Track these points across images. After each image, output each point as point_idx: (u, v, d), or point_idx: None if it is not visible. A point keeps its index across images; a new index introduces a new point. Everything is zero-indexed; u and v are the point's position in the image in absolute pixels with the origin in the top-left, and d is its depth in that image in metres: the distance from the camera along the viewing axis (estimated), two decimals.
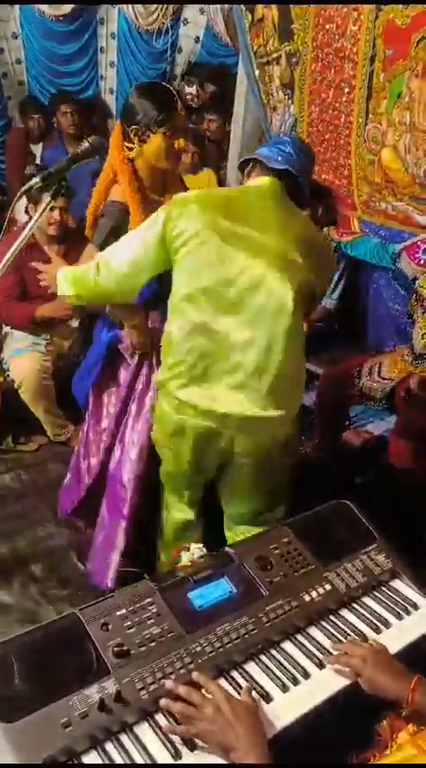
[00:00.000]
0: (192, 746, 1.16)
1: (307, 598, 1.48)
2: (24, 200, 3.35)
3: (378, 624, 1.47)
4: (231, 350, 1.83)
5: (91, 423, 2.41)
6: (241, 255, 1.81)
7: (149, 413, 2.18)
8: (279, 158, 1.91)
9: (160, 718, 1.20)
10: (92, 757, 1.13)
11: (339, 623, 1.47)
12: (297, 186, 1.95)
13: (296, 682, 1.31)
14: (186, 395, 1.88)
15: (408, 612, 1.52)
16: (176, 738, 1.17)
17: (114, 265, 1.94)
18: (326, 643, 1.40)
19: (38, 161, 5.02)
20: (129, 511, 2.25)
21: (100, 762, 1.13)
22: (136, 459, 2.24)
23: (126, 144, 2.10)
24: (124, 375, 2.29)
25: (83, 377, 2.44)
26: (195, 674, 1.23)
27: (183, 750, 1.15)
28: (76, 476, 2.49)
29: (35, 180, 1.65)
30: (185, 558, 1.62)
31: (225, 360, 1.84)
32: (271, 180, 1.92)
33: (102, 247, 2.09)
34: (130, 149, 2.10)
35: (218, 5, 5.03)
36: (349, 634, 1.44)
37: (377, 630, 1.46)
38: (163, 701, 1.19)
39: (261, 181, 1.93)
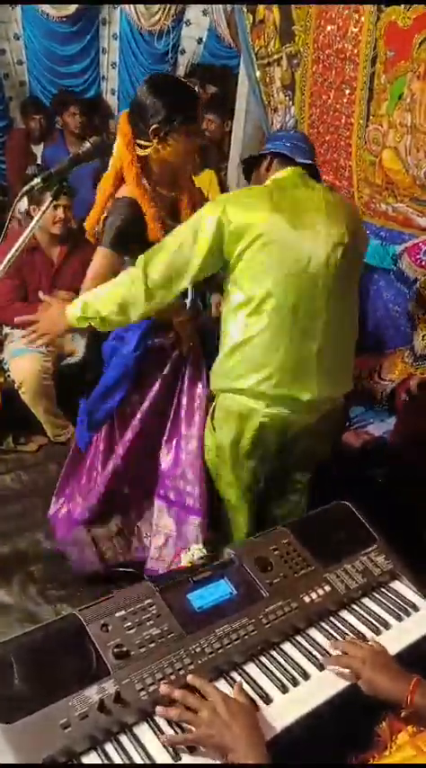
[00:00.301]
0: (192, 747, 1.15)
1: (307, 599, 1.47)
2: (25, 201, 3.35)
3: (378, 625, 1.47)
4: (312, 337, 1.89)
5: (109, 433, 2.33)
6: (306, 243, 1.85)
7: (210, 409, 2.14)
8: (299, 153, 1.99)
9: (160, 719, 1.20)
10: (91, 758, 1.13)
11: (339, 624, 1.47)
12: (316, 177, 2.03)
13: (295, 683, 1.31)
14: (278, 391, 1.91)
15: (408, 614, 1.51)
16: None
17: (160, 273, 1.86)
18: (326, 644, 1.40)
19: (38, 161, 5.03)
20: (203, 505, 2.18)
21: (99, 762, 1.13)
22: (196, 451, 2.18)
23: (139, 142, 2.01)
24: (157, 375, 2.23)
25: (103, 397, 2.30)
26: (190, 678, 1.23)
27: (183, 751, 1.15)
28: (79, 490, 2.42)
29: (36, 180, 1.65)
30: (185, 560, 1.62)
31: (308, 347, 1.90)
32: (294, 169, 1.98)
33: (113, 246, 2.03)
34: (144, 147, 2.00)
35: (221, 6, 5.04)
36: (348, 635, 1.43)
37: (377, 632, 1.46)
38: (158, 709, 1.18)
39: (286, 172, 1.98)
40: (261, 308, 1.85)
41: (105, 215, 2.09)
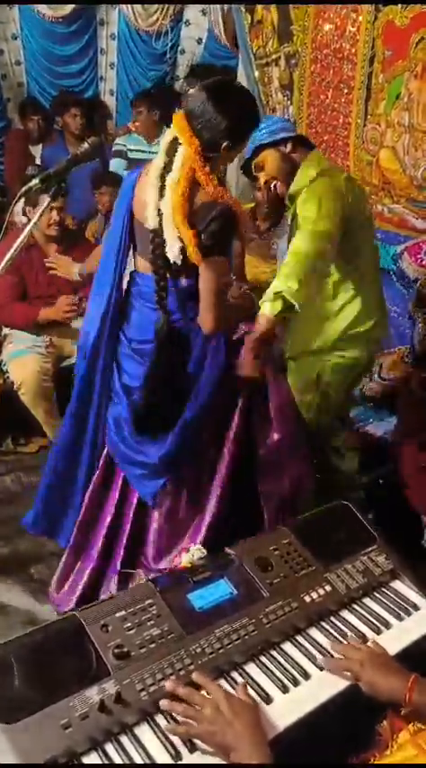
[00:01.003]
0: (192, 747, 1.15)
1: (308, 599, 1.47)
2: (22, 201, 3.35)
3: (379, 625, 1.47)
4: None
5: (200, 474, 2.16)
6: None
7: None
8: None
9: (160, 719, 1.20)
10: (92, 758, 1.13)
11: (339, 624, 1.47)
12: None
13: (296, 683, 1.30)
14: (384, 332, 2.48)
15: (408, 613, 1.51)
16: (176, 739, 1.16)
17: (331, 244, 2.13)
18: (327, 644, 1.40)
19: (37, 161, 5.03)
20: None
21: (100, 763, 1.13)
22: (300, 432, 2.19)
23: (209, 155, 1.91)
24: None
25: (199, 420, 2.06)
26: (195, 675, 1.23)
27: (183, 751, 1.15)
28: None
29: (35, 181, 1.65)
30: (185, 560, 1.62)
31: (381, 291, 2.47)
32: (317, 152, 2.36)
33: (225, 252, 1.97)
34: (211, 159, 1.92)
35: (218, 7, 5.03)
36: (349, 635, 1.43)
37: (378, 631, 1.46)
38: (163, 702, 1.19)
39: (315, 155, 2.32)
40: (361, 267, 2.28)
41: (210, 216, 1.91)
